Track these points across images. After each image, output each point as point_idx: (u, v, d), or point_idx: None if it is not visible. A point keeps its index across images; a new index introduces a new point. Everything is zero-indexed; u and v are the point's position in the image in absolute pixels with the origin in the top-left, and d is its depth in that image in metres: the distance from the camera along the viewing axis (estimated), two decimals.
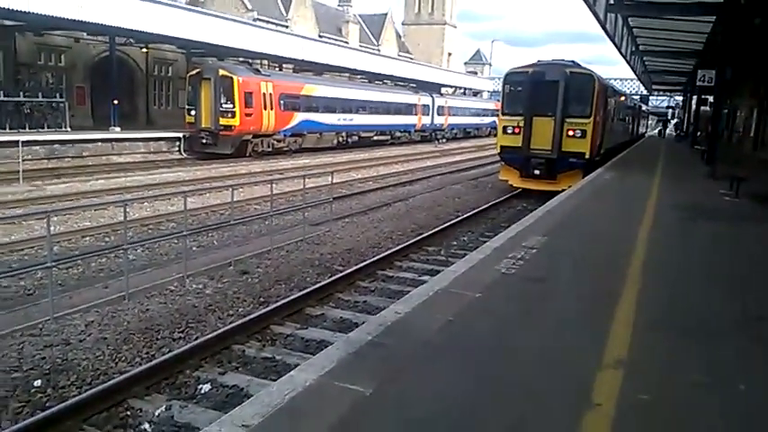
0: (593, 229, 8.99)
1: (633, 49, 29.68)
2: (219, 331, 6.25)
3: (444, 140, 44.15)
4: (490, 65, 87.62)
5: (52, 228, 7.28)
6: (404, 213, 14.26)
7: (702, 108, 30.07)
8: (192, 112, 24.31)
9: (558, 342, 4.25)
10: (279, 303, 7.18)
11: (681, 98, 57.11)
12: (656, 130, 61.05)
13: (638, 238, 7.91)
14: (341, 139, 32.27)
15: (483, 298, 5.08)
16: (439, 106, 43.90)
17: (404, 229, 12.18)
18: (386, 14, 66.84)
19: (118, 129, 23.83)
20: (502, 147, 16.86)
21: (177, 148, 24.83)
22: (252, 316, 6.74)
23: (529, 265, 6.24)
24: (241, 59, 29.53)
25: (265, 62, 33.61)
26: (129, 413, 4.81)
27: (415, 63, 52.20)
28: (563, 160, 15.84)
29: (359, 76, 41.43)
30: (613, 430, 3.06)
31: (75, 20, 19.85)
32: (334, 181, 13.65)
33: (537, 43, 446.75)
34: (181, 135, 24.88)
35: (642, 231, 8.45)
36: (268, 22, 41.04)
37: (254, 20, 38.50)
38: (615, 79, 53.74)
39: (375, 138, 35.75)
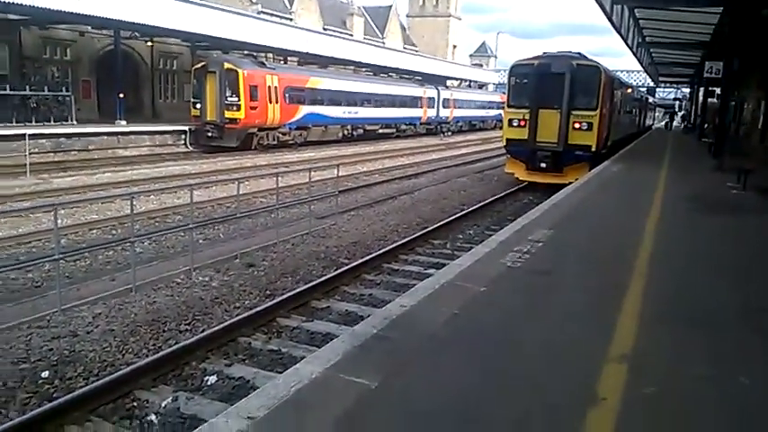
0: (600, 222, 8.95)
1: (640, 40, 29.41)
2: (226, 323, 6.28)
3: (450, 133, 43.93)
4: (496, 57, 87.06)
5: (59, 221, 7.32)
6: (409, 206, 14.25)
7: (710, 100, 29.82)
8: (198, 106, 24.37)
9: (563, 335, 4.24)
10: (285, 296, 7.20)
11: (688, 90, 56.68)
12: (663, 123, 60.72)
13: (646, 231, 7.88)
14: (346, 132, 32.19)
15: (488, 291, 5.07)
16: (444, 99, 43.66)
17: (409, 222, 12.17)
18: (390, 7, 66.42)
19: (124, 122, 23.90)
20: (508, 139, 16.77)
21: (183, 142, 24.86)
22: (258, 308, 6.77)
23: (535, 258, 6.22)
24: (246, 52, 29.46)
25: (270, 55, 33.54)
26: (135, 404, 4.84)
27: (420, 55, 51.98)
28: (569, 153, 15.71)
29: (364, 69, 41.27)
30: (618, 424, 3.05)
31: (79, 13, 19.83)
32: (340, 174, 13.64)
33: (543, 35, 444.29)
34: (186, 128, 24.91)
35: (649, 224, 8.41)
36: (272, 14, 40.87)
37: (259, 13, 38.34)
38: (622, 71, 53.25)
39: (380, 131, 35.59)
